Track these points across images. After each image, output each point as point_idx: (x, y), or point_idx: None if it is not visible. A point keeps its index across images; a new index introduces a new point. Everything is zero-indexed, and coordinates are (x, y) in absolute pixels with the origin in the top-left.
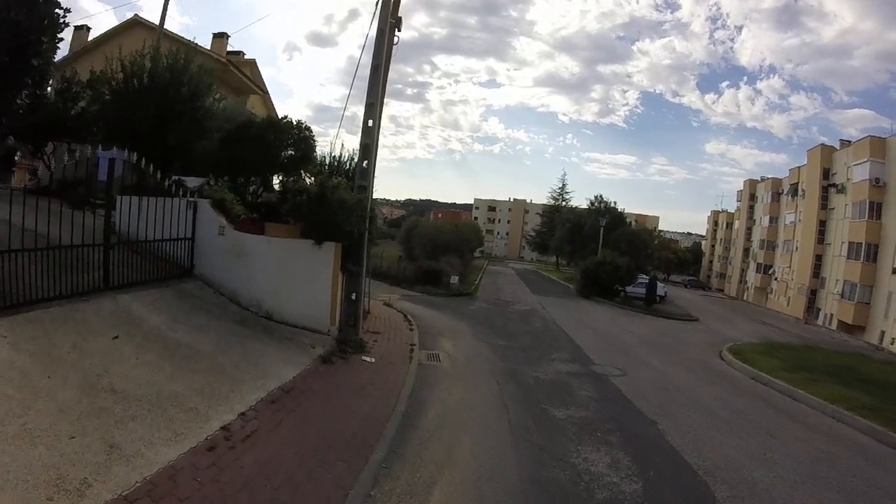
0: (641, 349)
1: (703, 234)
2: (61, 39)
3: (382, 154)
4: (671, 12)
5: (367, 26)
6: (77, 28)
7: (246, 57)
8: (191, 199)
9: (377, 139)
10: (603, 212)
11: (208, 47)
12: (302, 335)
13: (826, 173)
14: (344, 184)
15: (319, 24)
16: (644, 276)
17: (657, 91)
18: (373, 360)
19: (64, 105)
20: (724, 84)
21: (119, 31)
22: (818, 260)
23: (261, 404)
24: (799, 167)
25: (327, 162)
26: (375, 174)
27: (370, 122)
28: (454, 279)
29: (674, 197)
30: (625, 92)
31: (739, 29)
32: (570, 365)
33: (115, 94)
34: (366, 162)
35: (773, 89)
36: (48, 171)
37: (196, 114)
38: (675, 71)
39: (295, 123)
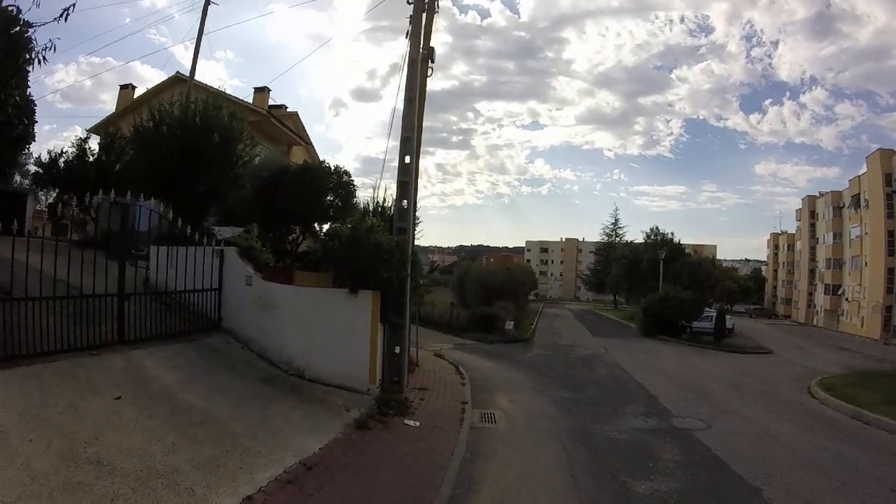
0: (721, 392)
1: (763, 258)
2: (29, 61)
3: (432, 202)
4: (705, 36)
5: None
6: (123, 87)
7: (289, 110)
8: (217, 248)
9: (416, 176)
10: (660, 244)
11: (250, 101)
12: (336, 395)
13: (888, 179)
14: (379, 225)
15: (363, 79)
16: (709, 309)
17: (700, 117)
18: (417, 423)
19: (108, 159)
20: (768, 102)
21: (160, 89)
22: (890, 274)
23: (274, 485)
24: (859, 176)
25: (371, 208)
26: (423, 219)
27: (407, 159)
28: (509, 325)
29: (728, 223)
30: (668, 121)
31: (775, 44)
32: (645, 419)
33: (141, 141)
34: (405, 201)
35: (817, 101)
36: (92, 221)
37: (228, 161)
38: (717, 94)
39: (333, 169)
